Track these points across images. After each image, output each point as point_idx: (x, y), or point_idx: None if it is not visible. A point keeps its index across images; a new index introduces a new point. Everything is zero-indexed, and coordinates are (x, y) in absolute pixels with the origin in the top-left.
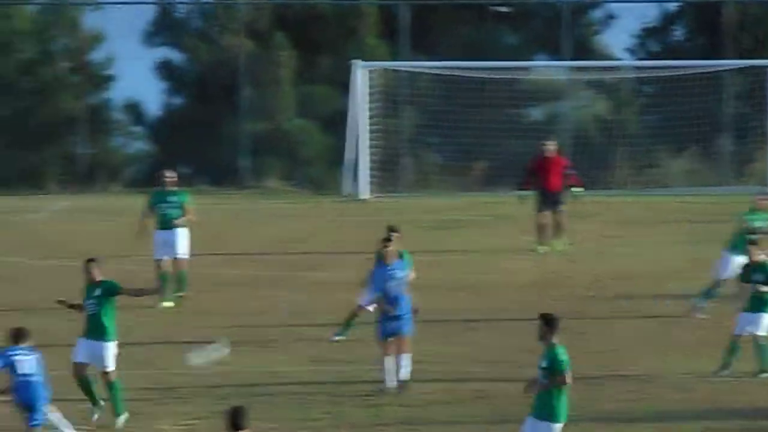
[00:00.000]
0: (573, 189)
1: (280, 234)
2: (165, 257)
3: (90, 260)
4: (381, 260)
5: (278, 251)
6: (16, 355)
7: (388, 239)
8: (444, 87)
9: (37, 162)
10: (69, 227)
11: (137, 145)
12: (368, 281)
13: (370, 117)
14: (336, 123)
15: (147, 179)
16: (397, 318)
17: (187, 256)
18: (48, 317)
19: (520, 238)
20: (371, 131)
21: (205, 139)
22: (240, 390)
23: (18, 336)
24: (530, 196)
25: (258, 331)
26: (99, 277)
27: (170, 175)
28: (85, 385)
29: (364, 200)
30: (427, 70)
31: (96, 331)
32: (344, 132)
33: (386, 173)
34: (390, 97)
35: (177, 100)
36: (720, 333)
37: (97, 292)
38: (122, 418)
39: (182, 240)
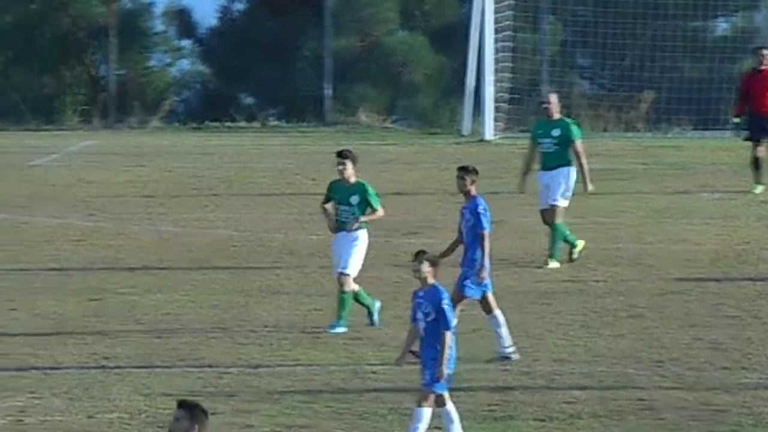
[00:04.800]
0: None
1: (374, 186)
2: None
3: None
4: None
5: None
6: None
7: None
8: None
9: (49, 87)
10: (90, 175)
11: (183, 65)
12: None
13: (498, 30)
14: (451, 38)
15: (196, 112)
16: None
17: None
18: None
19: (698, 195)
20: (499, 50)
21: (276, 59)
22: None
23: None
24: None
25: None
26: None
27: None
28: None
29: (488, 141)
30: None
31: None
32: (462, 50)
33: (519, 106)
34: (525, 4)
35: (238, 6)
36: None
37: None
38: None
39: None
